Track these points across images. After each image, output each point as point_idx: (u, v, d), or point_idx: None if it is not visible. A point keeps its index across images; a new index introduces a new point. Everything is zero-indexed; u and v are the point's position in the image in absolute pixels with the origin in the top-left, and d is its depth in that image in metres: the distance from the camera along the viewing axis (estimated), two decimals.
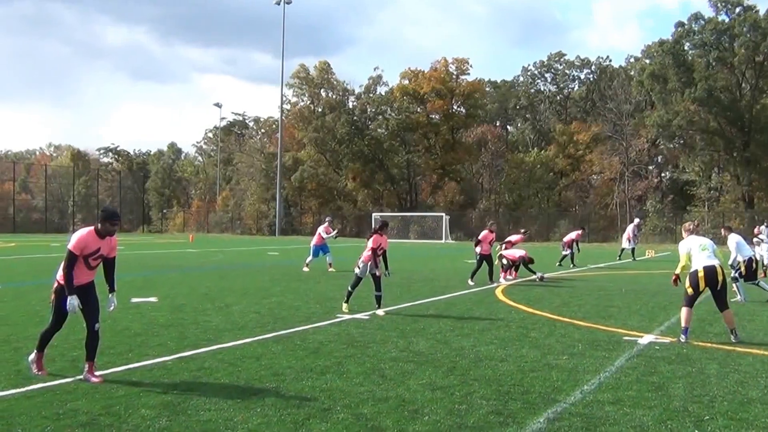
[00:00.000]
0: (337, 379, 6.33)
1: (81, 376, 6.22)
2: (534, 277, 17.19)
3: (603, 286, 15.86)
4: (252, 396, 5.68)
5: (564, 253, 23.76)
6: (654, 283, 17.15)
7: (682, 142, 59.68)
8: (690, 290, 8.61)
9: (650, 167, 65.08)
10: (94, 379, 6.12)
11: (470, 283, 15.77)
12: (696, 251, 8.73)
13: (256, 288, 14.51)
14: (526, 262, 17.48)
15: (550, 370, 6.82)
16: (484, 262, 16.22)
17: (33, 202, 79.71)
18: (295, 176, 65.74)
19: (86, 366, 6.22)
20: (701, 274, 8.51)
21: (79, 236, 6.22)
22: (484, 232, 16.61)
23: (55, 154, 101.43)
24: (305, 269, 19.29)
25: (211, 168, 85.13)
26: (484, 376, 6.51)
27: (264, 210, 67.65)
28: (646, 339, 8.63)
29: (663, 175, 67.16)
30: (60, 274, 6.25)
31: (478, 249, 16.38)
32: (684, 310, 8.59)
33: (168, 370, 6.62)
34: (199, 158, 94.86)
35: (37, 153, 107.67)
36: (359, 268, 10.88)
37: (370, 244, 10.88)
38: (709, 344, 8.33)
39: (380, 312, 10.65)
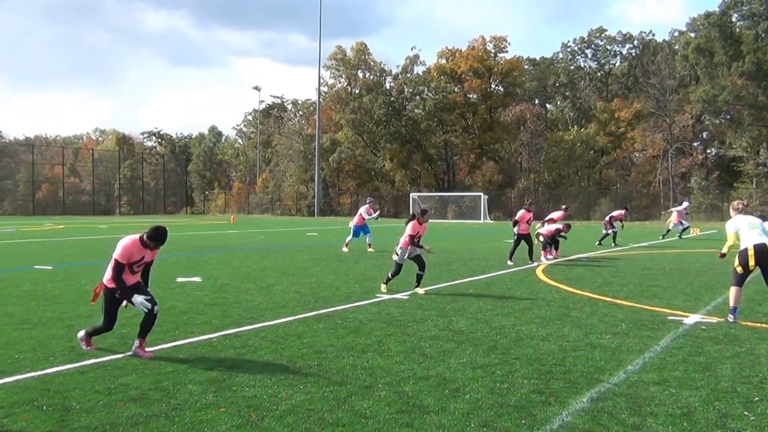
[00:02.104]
0: (378, 357, 6.39)
1: (131, 352, 6.40)
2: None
3: (646, 266, 15.59)
4: (295, 373, 5.78)
5: (605, 232, 23.37)
6: (699, 262, 16.79)
7: (728, 117, 57.91)
8: (739, 269, 8.42)
9: (695, 144, 63.30)
10: (144, 355, 6.30)
11: (509, 263, 15.67)
12: (745, 230, 8.52)
13: (297, 268, 14.67)
14: (560, 232, 17.22)
15: (592, 349, 6.76)
16: (523, 241, 16.05)
17: (81, 186, 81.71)
18: (333, 157, 66.09)
19: (137, 342, 6.41)
20: (751, 252, 8.31)
21: (125, 246, 6.38)
22: (522, 212, 16.42)
23: (101, 139, 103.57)
24: (345, 249, 19.42)
25: (251, 150, 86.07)
26: (525, 355, 6.49)
27: (303, 191, 68.19)
28: (691, 319, 8.48)
29: (708, 151, 65.25)
30: (107, 278, 6.47)
31: (516, 228, 16.22)
32: (733, 290, 8.40)
33: (213, 347, 6.77)
34: (240, 141, 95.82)
35: (84, 138, 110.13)
36: (397, 254, 10.88)
37: (408, 230, 10.81)
38: (759, 324, 8.15)
39: (420, 291, 10.64)
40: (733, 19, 55.09)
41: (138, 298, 6.25)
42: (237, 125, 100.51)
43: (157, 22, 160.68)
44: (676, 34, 69.58)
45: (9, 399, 5.01)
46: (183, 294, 10.41)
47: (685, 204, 27.83)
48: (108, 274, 6.48)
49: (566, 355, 6.51)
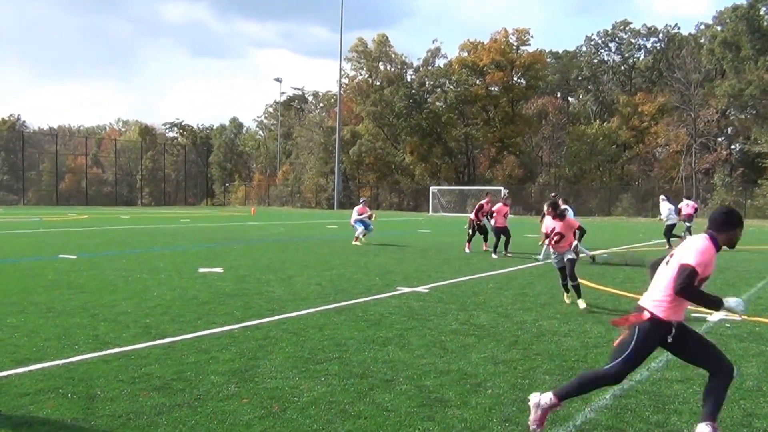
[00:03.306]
0: (399, 350, 6.39)
1: (154, 342, 6.46)
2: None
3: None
4: (316, 365, 5.80)
5: (687, 225, 21.59)
6: (722, 259, 16.55)
7: (754, 112, 56.93)
8: None
9: (719, 139, 62.36)
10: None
11: (493, 257, 15.94)
12: None
13: (317, 260, 14.73)
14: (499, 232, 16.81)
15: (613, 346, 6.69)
16: (501, 234, 16.53)
17: (103, 176, 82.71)
18: (353, 150, 66.12)
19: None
20: None
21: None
22: (498, 205, 16.93)
23: (123, 129, 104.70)
24: (356, 243, 19.51)
25: (271, 142, 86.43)
26: (547, 351, 6.46)
27: (323, 183, 68.36)
28: (715, 316, 8.36)
29: (733, 147, 64.28)
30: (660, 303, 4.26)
31: (492, 222, 16.83)
32: None
33: (234, 338, 6.81)
34: (260, 132, 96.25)
35: (107, 128, 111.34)
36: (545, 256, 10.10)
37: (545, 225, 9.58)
38: None
39: (582, 304, 8.88)
40: (761, 12, 54.20)
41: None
42: (258, 117, 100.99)
43: (178, 13, 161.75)
44: (702, 27, 68.54)
45: (35, 386, 5.08)
46: (205, 285, 10.50)
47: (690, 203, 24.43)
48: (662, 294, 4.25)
49: (588, 352, 6.46)
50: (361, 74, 70.88)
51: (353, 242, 19.64)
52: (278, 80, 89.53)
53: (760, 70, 50.84)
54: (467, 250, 17.37)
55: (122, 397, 4.86)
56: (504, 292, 10.29)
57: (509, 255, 16.33)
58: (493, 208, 17.02)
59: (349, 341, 6.73)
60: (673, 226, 19.06)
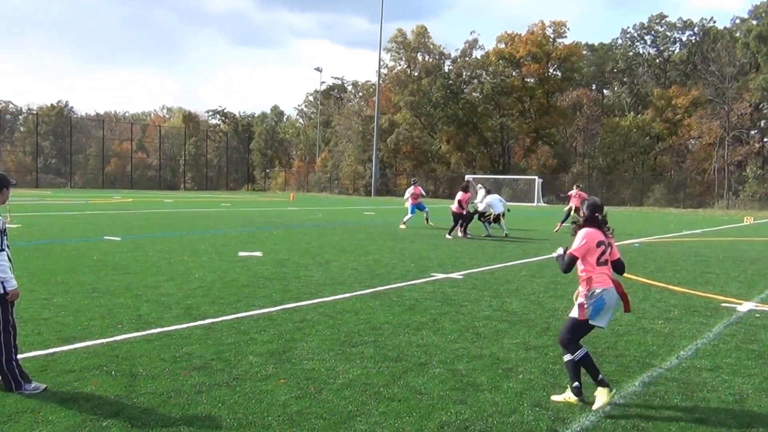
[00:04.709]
0: (433, 335, 6.54)
1: (195, 323, 6.70)
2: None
3: (699, 253, 15.32)
4: (352, 348, 5.97)
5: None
6: (753, 250, 16.40)
7: None
8: None
9: (752, 132, 61.56)
10: None
11: (448, 237, 17.04)
12: None
13: (354, 245, 14.93)
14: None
15: (645, 334, 6.78)
16: (460, 219, 17.61)
17: (148, 161, 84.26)
18: (391, 138, 66.95)
19: None
20: None
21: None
22: (460, 194, 17.81)
23: (167, 116, 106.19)
24: (402, 227, 20.13)
25: (311, 130, 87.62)
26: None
27: (360, 171, 69.30)
28: (745, 306, 8.38)
29: (765, 140, 63.27)
30: None
31: (453, 207, 17.74)
32: None
33: (273, 320, 7.03)
34: (300, 120, 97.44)
35: (152, 114, 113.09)
36: None
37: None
38: None
39: None
40: None
41: None
42: (298, 105, 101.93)
43: (221, 2, 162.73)
44: (738, 21, 67.38)
45: (79, 363, 5.30)
46: (245, 268, 10.76)
47: None
48: None
49: (618, 339, 6.55)
50: (399, 64, 71.54)
51: (401, 227, 20.34)
52: (318, 69, 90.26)
53: None
54: (463, 234, 17.93)
55: (163, 375, 5.04)
56: (536, 279, 10.38)
57: (469, 236, 17.46)
58: (458, 197, 18.04)
59: (384, 325, 6.90)
60: (482, 214, 18.70)
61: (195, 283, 9.13)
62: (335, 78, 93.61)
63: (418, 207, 20.89)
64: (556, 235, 19.15)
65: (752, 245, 17.92)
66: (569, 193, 23.32)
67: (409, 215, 20.79)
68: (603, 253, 4.74)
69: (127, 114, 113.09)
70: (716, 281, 10.64)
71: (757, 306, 8.45)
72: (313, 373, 5.20)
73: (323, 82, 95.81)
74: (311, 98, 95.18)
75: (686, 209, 49.70)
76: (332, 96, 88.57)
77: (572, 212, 20.76)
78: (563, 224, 20.91)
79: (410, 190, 21.27)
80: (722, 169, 57.35)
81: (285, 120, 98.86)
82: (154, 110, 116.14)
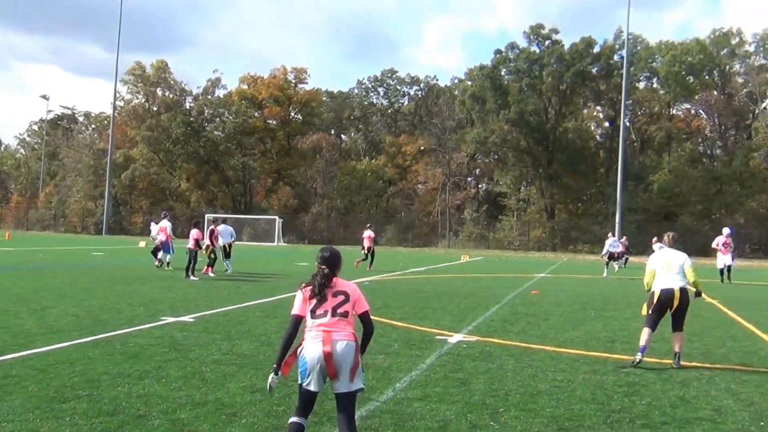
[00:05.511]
0: (156, 383, 6.23)
1: None
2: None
3: (421, 289, 16.81)
4: (62, 404, 5.43)
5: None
6: (467, 285, 18.46)
7: (496, 157, 65.08)
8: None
9: (469, 179, 70.73)
10: None
11: (193, 278, 16.96)
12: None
13: (77, 289, 13.69)
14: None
15: (366, 369, 7.13)
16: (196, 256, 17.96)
17: None
18: (126, 174, 64.12)
19: None
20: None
21: None
22: (194, 231, 18.45)
23: None
24: (166, 268, 19.99)
25: (34, 162, 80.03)
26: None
27: (91, 208, 65.15)
28: (455, 338, 9.33)
29: (479, 186, 73.05)
30: None
31: (190, 245, 17.99)
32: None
33: None
34: (22, 151, 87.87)
35: None
36: None
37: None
38: (509, 342, 9.15)
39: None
40: (503, 73, 62.31)
41: None
42: (20, 134, 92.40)
43: None
44: (456, 81, 77.03)
45: None
46: None
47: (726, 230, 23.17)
48: None
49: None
50: (137, 98, 69.61)
51: (159, 266, 20.08)
52: (45, 97, 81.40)
53: (501, 122, 58.19)
54: (210, 274, 18.25)
55: None
56: (269, 320, 10.45)
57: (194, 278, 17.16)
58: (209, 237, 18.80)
59: (103, 376, 6.39)
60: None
61: None
62: (65, 107, 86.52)
63: (167, 247, 20.30)
64: (295, 276, 19.58)
65: (466, 281, 20.16)
66: (364, 234, 24.42)
67: (170, 254, 20.38)
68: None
69: None
70: (433, 315, 11.69)
71: (464, 337, 9.44)
72: None
73: (50, 111, 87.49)
74: (36, 127, 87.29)
75: (414, 248, 54.40)
76: (61, 126, 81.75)
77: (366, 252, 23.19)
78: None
79: (161, 225, 20.60)
80: (444, 211, 64.33)
81: (2, 150, 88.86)
82: None
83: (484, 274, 24.15)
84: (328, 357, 4.11)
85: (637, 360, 7.77)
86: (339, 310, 4.25)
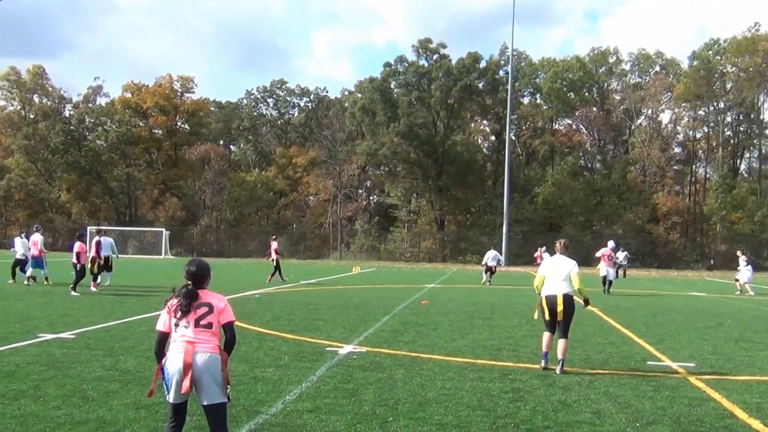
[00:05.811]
0: (33, 403, 5.93)
1: None
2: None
3: (312, 301, 16.80)
4: None
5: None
6: (358, 296, 18.65)
7: (387, 169, 66.22)
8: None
9: (360, 191, 71.38)
10: None
11: (74, 294, 16.20)
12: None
13: None
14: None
15: (256, 383, 7.14)
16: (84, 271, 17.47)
17: None
18: (1, 185, 60.68)
19: None
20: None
21: None
22: (78, 244, 17.83)
23: None
24: (47, 282, 19.08)
25: None
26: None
27: None
28: (346, 349, 9.43)
29: (371, 198, 73.86)
30: None
31: (74, 260, 17.42)
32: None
33: None
34: None
35: None
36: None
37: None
38: (399, 352, 9.35)
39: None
40: (392, 86, 63.58)
41: None
42: None
43: None
44: (347, 93, 77.71)
45: None
46: None
47: (611, 244, 23.48)
48: None
49: (231, 390, 6.76)
50: (12, 105, 66.15)
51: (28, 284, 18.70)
52: None
53: (391, 135, 59.25)
54: (93, 289, 17.56)
55: None
56: (155, 334, 10.06)
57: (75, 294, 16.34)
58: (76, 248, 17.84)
59: None
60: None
61: None
62: None
63: (39, 261, 19.23)
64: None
65: (357, 292, 20.35)
66: (273, 248, 23.97)
67: (43, 269, 19.41)
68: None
69: None
70: (324, 327, 11.73)
71: (355, 348, 9.56)
72: None
73: None
74: None
75: (306, 260, 54.17)
76: None
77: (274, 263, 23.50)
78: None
79: (33, 239, 19.32)
80: (336, 223, 64.50)
81: None
82: None
83: (376, 285, 24.48)
84: (186, 368, 4.12)
85: (542, 366, 8.23)
86: (202, 322, 4.25)
